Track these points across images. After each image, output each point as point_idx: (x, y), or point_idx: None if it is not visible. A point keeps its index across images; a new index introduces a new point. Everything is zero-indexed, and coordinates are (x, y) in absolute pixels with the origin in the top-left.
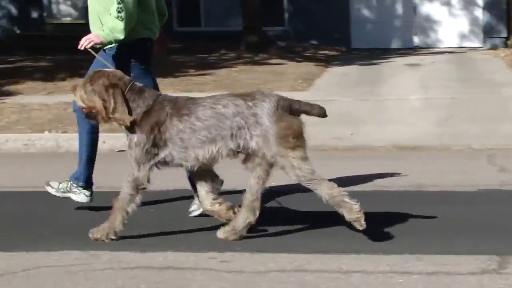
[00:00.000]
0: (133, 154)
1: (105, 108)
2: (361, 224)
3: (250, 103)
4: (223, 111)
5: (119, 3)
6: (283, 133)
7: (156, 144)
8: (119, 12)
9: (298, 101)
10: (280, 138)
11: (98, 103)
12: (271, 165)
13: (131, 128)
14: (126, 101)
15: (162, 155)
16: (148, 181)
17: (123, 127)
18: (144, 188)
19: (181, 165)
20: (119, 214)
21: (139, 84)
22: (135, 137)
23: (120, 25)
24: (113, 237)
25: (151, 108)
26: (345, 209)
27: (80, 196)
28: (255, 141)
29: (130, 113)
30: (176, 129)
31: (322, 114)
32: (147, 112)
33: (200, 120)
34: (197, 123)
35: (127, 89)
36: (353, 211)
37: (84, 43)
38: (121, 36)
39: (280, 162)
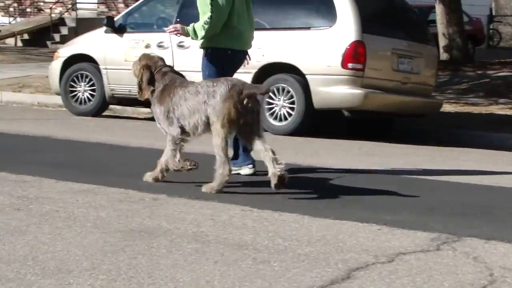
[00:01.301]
0: (161, 123)
1: (139, 83)
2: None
3: (214, 83)
4: (199, 89)
5: (209, 18)
6: (221, 110)
7: (170, 109)
8: (205, 23)
9: (249, 86)
10: (219, 113)
11: (137, 79)
12: None
13: (154, 103)
14: (153, 80)
15: (176, 116)
16: (182, 138)
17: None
18: (181, 143)
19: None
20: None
21: (165, 69)
22: (157, 110)
23: (201, 33)
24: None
25: (166, 85)
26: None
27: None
28: (208, 109)
29: (153, 91)
30: (178, 96)
31: (266, 91)
32: (163, 89)
33: (190, 93)
34: (187, 95)
35: (156, 71)
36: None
37: (170, 29)
38: (196, 39)
39: (213, 130)
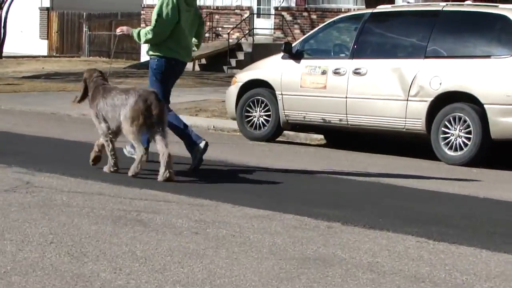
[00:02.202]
0: (94, 121)
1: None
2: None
3: (126, 96)
4: (115, 101)
5: (153, 26)
6: (130, 114)
7: (98, 113)
8: (148, 33)
9: (154, 96)
10: (128, 117)
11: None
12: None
13: (89, 106)
14: (86, 89)
15: (102, 117)
16: (110, 133)
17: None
18: (110, 136)
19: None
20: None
21: (97, 80)
22: (91, 111)
23: (143, 39)
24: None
25: (93, 93)
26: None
27: None
28: (121, 115)
29: (84, 97)
30: (102, 104)
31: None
32: (92, 96)
33: (108, 104)
34: (107, 106)
35: (91, 81)
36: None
37: (118, 30)
38: (139, 42)
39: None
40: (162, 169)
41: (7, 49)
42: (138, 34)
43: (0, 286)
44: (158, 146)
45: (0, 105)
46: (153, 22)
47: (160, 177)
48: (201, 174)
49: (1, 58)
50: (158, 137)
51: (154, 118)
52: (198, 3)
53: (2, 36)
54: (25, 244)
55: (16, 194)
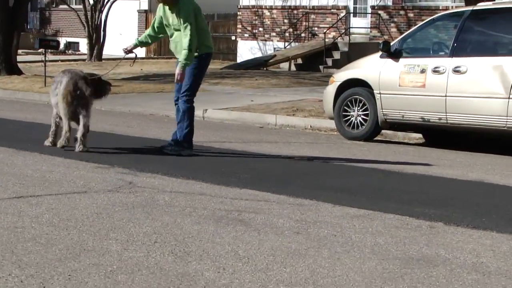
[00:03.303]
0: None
1: None
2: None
3: (61, 75)
4: (56, 79)
5: (191, 35)
6: (61, 93)
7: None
8: (191, 39)
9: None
10: (61, 95)
11: None
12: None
13: None
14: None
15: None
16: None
17: None
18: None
19: None
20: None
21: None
22: None
23: (192, 47)
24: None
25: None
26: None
27: None
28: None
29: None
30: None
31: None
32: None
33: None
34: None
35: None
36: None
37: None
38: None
39: (60, 107)
40: (77, 144)
41: (106, 51)
42: (188, 55)
43: (107, 284)
44: (79, 124)
45: (101, 107)
46: (187, 31)
47: (76, 149)
48: (300, 173)
49: (101, 60)
50: (80, 116)
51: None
52: (294, 3)
53: (102, 39)
54: (130, 243)
55: (119, 194)
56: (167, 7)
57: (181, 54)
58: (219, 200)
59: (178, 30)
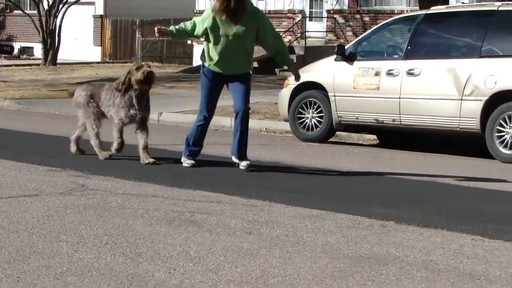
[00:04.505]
0: None
1: None
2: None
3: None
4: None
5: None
6: None
7: None
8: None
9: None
10: None
11: None
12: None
13: None
14: None
15: None
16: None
17: None
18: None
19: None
20: None
21: None
22: None
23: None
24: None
25: None
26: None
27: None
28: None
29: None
30: None
31: None
32: None
33: None
34: None
35: None
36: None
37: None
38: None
39: None
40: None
41: (61, 56)
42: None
43: (56, 286)
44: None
45: (55, 111)
46: (276, 33)
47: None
48: (254, 175)
49: (55, 65)
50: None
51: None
52: None
53: (56, 44)
54: (81, 245)
55: (71, 197)
56: (226, 20)
57: (285, 56)
58: (172, 201)
59: (240, 37)
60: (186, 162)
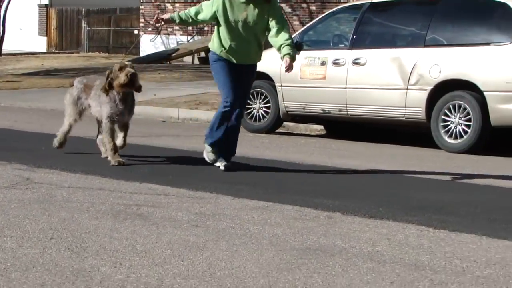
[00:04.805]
0: None
1: None
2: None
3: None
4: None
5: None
6: None
7: None
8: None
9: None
10: None
11: None
12: None
13: None
14: None
15: None
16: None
17: None
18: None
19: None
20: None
21: None
22: None
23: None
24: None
25: None
26: None
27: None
28: None
29: None
30: None
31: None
32: None
33: None
34: None
35: None
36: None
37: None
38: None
39: None
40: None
41: (6, 46)
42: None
43: (0, 282)
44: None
45: (0, 102)
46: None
47: None
48: (200, 166)
49: (0, 55)
50: None
51: None
52: None
53: (1, 34)
54: (25, 240)
55: (16, 191)
56: (236, 4)
57: (290, 46)
58: (118, 194)
59: (250, 24)
60: (208, 156)
